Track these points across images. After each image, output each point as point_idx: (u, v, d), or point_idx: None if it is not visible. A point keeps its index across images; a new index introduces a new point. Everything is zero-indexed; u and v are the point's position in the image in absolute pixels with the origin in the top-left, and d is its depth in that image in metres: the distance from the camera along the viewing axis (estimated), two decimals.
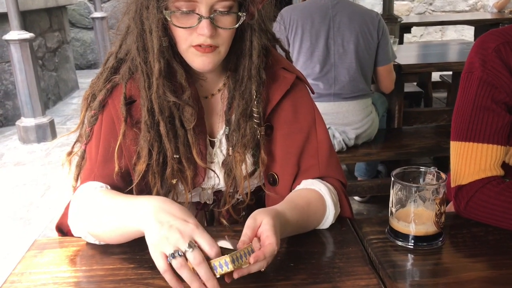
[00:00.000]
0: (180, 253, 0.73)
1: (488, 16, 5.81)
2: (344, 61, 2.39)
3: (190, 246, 0.73)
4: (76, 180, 1.09)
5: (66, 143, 4.06)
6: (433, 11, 8.01)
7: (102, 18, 6.31)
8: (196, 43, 0.92)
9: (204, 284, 0.74)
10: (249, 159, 1.05)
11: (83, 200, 0.97)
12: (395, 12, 4.86)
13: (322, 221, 1.02)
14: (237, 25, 0.93)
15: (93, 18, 6.35)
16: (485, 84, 1.04)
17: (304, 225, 0.99)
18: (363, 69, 2.43)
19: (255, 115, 1.01)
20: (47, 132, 4.26)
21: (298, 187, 1.06)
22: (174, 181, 1.00)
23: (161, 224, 0.76)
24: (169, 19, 0.90)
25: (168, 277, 0.75)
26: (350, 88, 2.42)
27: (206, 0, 0.88)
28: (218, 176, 1.07)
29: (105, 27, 6.36)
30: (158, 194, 1.00)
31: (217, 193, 1.13)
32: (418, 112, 3.39)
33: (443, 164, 3.25)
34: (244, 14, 0.93)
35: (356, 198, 2.97)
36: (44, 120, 4.27)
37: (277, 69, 1.05)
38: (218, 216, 1.12)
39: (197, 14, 0.89)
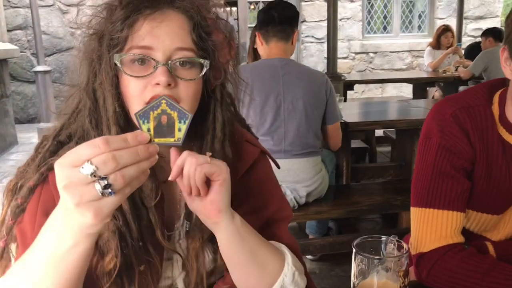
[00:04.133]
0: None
1: (424, 74, 6.17)
2: (294, 118, 2.42)
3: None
4: None
5: None
6: (373, 69, 8.42)
7: (45, 72, 6.13)
8: (151, 96, 0.80)
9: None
10: (208, 255, 0.94)
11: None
12: (338, 70, 5.05)
13: (280, 277, 0.90)
14: (200, 75, 0.84)
15: (35, 72, 6.17)
16: (443, 150, 1.05)
17: (257, 249, 0.89)
18: (312, 126, 2.47)
19: None
20: None
21: None
22: (141, 268, 0.86)
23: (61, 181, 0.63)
24: (119, 65, 0.81)
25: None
26: (300, 144, 2.44)
27: (163, 47, 0.81)
28: (177, 270, 0.95)
29: (48, 81, 6.19)
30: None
31: None
32: (365, 168, 3.47)
33: (391, 218, 3.29)
34: (208, 62, 0.85)
35: (308, 256, 2.93)
36: None
37: (240, 141, 0.98)
38: None
39: (153, 59, 0.81)
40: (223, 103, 0.92)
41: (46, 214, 0.80)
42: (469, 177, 1.06)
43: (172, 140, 0.71)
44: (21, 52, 6.87)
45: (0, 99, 5.62)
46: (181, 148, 0.93)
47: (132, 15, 0.81)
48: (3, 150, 5.55)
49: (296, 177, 2.45)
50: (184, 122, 0.71)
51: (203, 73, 0.85)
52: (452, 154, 1.05)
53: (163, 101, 0.71)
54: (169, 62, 0.81)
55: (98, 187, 0.61)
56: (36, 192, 0.86)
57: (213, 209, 0.82)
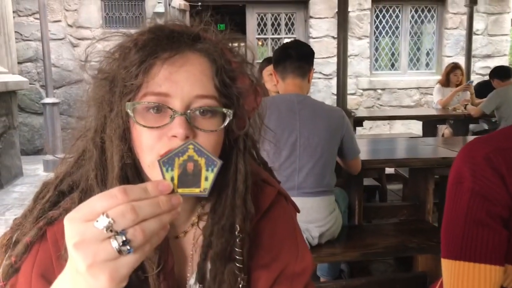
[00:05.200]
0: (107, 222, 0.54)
1: (433, 112, 6.11)
2: (309, 154, 2.36)
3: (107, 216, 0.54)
4: None
5: None
6: (380, 105, 8.39)
7: (53, 104, 6.14)
8: (167, 149, 0.70)
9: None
10: None
11: None
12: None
13: None
14: (222, 126, 0.75)
15: (43, 104, 6.18)
16: (477, 196, 0.97)
17: None
18: (327, 164, 2.41)
19: (237, 257, 0.80)
20: None
21: None
22: None
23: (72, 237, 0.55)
24: (131, 114, 0.72)
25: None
26: (314, 182, 2.37)
27: (181, 94, 0.72)
28: None
29: (56, 113, 6.18)
30: None
31: None
32: (377, 207, 3.36)
33: (404, 260, 3.17)
34: (231, 112, 0.76)
35: None
36: None
37: (255, 181, 0.86)
38: None
39: (170, 108, 0.71)
40: (245, 153, 0.82)
41: (43, 275, 0.74)
42: (506, 225, 0.97)
43: (197, 190, 0.63)
44: (30, 84, 6.90)
45: (7, 130, 5.60)
46: (191, 207, 0.85)
47: (148, 59, 0.72)
48: (8, 182, 5.49)
49: (309, 216, 2.36)
50: (212, 170, 0.63)
51: (226, 123, 0.76)
52: (486, 200, 0.96)
53: (191, 146, 0.63)
54: (188, 111, 0.72)
55: (114, 243, 0.53)
56: (33, 250, 0.76)
57: None
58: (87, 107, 0.79)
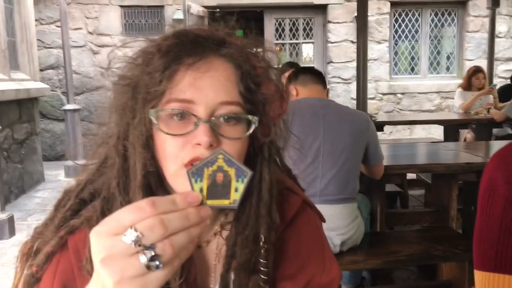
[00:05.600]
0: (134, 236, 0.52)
1: (455, 116, 6.01)
2: (333, 159, 2.33)
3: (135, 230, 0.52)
4: None
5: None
6: (400, 109, 8.30)
7: (74, 110, 6.22)
8: (191, 157, 0.69)
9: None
10: None
11: None
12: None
13: None
14: (247, 133, 0.73)
15: (65, 110, 6.26)
16: None
17: None
18: (351, 169, 2.36)
19: (262, 268, 0.77)
20: (5, 229, 3.96)
21: None
22: None
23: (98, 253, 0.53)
24: (155, 122, 0.70)
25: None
26: (337, 188, 2.32)
27: (206, 100, 0.70)
28: None
29: (77, 119, 6.26)
30: None
31: None
32: (400, 214, 3.30)
33: (428, 267, 3.11)
34: (256, 118, 0.73)
35: None
36: (3, 216, 3.98)
37: (280, 189, 0.83)
38: None
39: (194, 115, 0.69)
40: (271, 161, 0.80)
41: (64, 286, 0.73)
42: None
43: (227, 202, 0.61)
44: (52, 90, 7.01)
45: (29, 136, 5.69)
46: (215, 216, 0.83)
47: (172, 65, 0.70)
48: (30, 187, 5.57)
49: (331, 224, 2.31)
50: (242, 181, 0.61)
51: (251, 131, 0.74)
52: None
53: (220, 156, 0.61)
54: (212, 118, 0.70)
55: (143, 259, 0.51)
56: (54, 260, 0.75)
57: None
58: (109, 114, 0.77)
